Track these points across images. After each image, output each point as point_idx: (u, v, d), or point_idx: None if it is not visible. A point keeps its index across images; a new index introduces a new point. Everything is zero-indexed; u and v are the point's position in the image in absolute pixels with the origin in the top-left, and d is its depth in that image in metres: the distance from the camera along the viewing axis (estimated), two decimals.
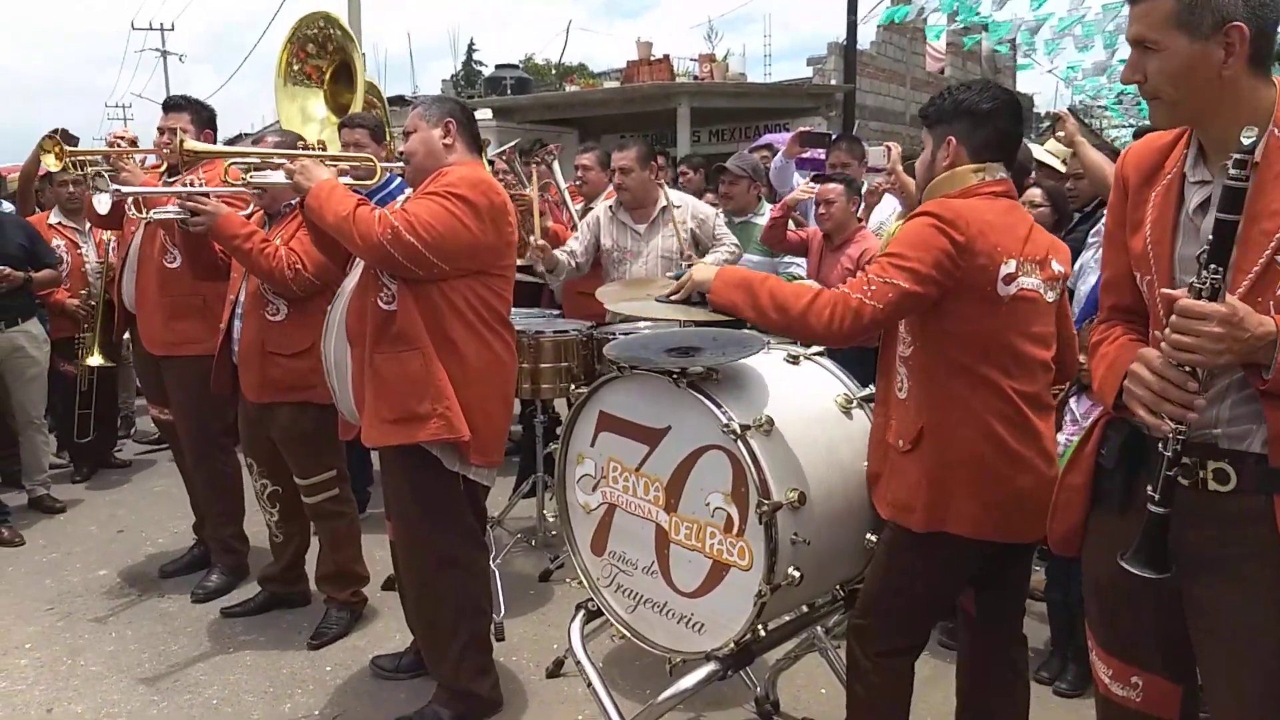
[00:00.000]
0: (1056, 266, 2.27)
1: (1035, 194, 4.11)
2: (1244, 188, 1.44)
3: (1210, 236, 1.47)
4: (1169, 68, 1.55)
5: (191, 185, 3.37)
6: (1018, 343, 2.17)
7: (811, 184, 4.56)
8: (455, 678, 3.01)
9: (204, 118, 4.04)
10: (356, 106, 3.73)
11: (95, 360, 5.60)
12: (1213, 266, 1.45)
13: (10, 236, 5.09)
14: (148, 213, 3.61)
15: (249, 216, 3.58)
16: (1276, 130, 1.50)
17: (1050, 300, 2.25)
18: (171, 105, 4.07)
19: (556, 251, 4.38)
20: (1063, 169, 4.55)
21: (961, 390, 2.16)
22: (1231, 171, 1.44)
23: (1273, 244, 1.47)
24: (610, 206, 4.48)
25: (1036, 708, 2.52)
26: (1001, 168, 2.26)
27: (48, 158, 3.81)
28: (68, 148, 3.81)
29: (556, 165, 5.70)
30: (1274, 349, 1.43)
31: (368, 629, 3.78)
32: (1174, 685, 1.67)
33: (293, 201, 3.43)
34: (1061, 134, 4.05)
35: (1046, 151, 4.68)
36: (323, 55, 3.78)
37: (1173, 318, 1.48)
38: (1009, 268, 2.14)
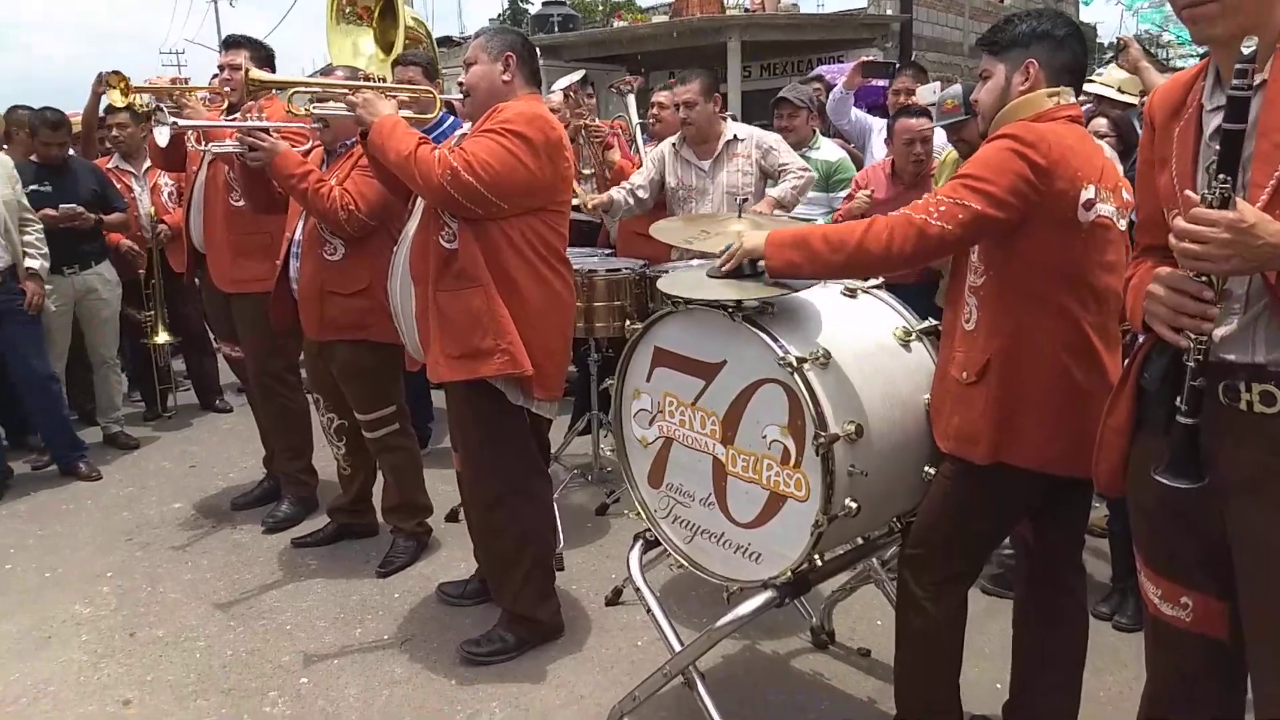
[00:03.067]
0: (1127, 195, 2.24)
1: (1101, 124, 3.99)
2: (1246, 96, 1.46)
3: (1218, 148, 1.48)
4: None
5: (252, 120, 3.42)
6: (1094, 271, 2.15)
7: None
8: (518, 603, 3.11)
9: (262, 55, 4.09)
10: (399, 41, 3.74)
11: (163, 338, 5.85)
12: (1221, 176, 1.46)
13: (83, 181, 5.24)
14: (207, 145, 3.67)
15: (308, 153, 3.63)
16: None
17: (1122, 229, 2.21)
18: (231, 43, 4.12)
19: (614, 190, 4.34)
20: (1118, 97, 4.40)
21: (1032, 320, 2.14)
22: (1234, 81, 1.46)
23: None
24: (674, 143, 4.38)
25: (1096, 641, 2.53)
26: (1072, 93, 2.23)
27: (113, 93, 3.90)
28: (131, 82, 3.88)
29: (632, 99, 5.53)
30: None
31: (434, 558, 3.90)
32: (1221, 603, 1.67)
33: (349, 141, 3.46)
34: (1125, 60, 3.91)
35: (1100, 84, 4.52)
36: None
37: (1180, 225, 1.49)
38: (1089, 193, 2.11)
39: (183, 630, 3.39)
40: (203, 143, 3.70)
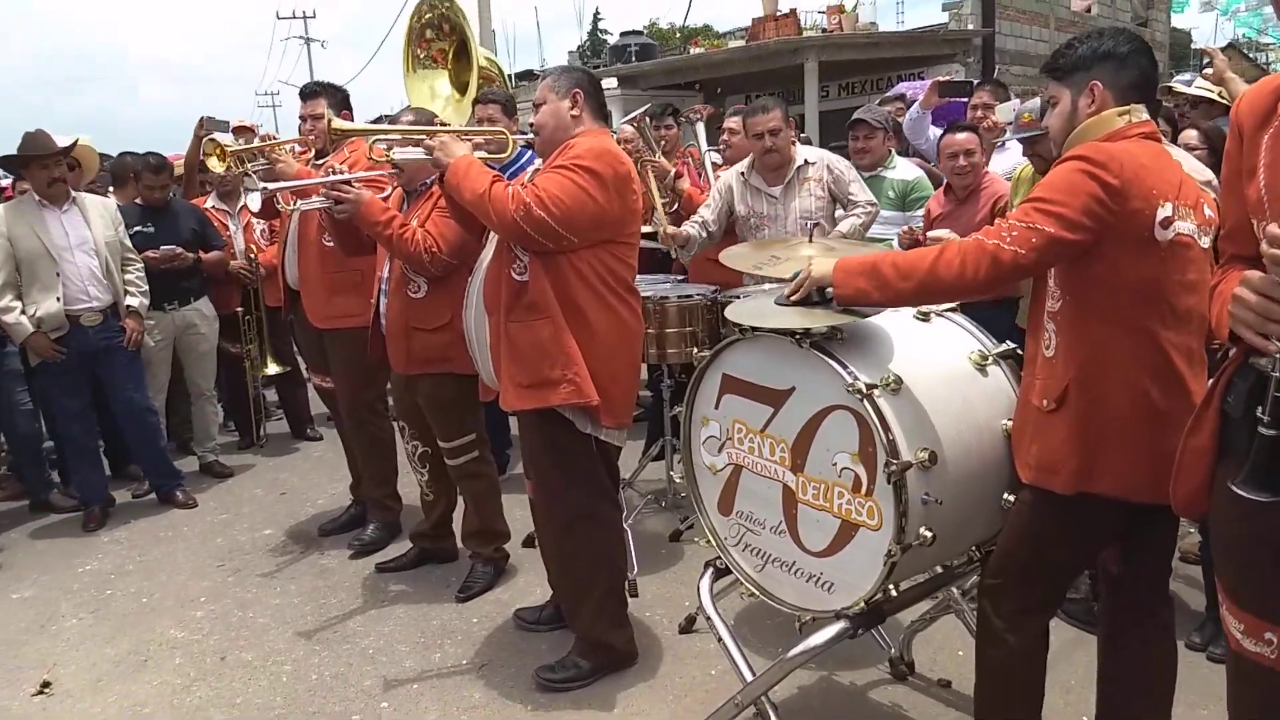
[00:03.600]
0: (1208, 211, 2.16)
1: (1191, 136, 3.88)
2: None
3: None
4: None
5: (334, 173, 3.56)
6: (1174, 291, 2.08)
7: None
8: (592, 630, 3.13)
9: (339, 99, 4.27)
10: (473, 81, 3.84)
11: (273, 369, 6.09)
12: None
13: (183, 221, 5.52)
14: (296, 203, 3.84)
15: (388, 195, 3.76)
16: None
17: (1205, 247, 2.14)
18: (309, 93, 4.31)
19: (687, 224, 4.35)
20: (1221, 100, 4.27)
21: (1111, 344, 2.08)
22: None
23: None
24: (742, 172, 4.37)
25: (1188, 673, 2.43)
26: (1145, 110, 2.17)
27: (211, 160, 4.14)
28: (227, 148, 4.11)
29: (700, 127, 5.57)
30: None
31: (510, 583, 3.95)
32: None
33: (428, 180, 3.57)
34: (1210, 71, 3.79)
35: (1199, 87, 4.39)
36: (442, 37, 3.91)
37: (1275, 232, 1.42)
38: (1165, 211, 2.04)
39: (270, 654, 3.49)
40: (293, 201, 3.87)
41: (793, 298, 2.42)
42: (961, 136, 4.12)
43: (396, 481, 4.55)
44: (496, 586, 3.90)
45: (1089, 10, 17.95)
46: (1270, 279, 1.49)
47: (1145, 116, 2.17)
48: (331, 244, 4.09)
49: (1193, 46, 22.14)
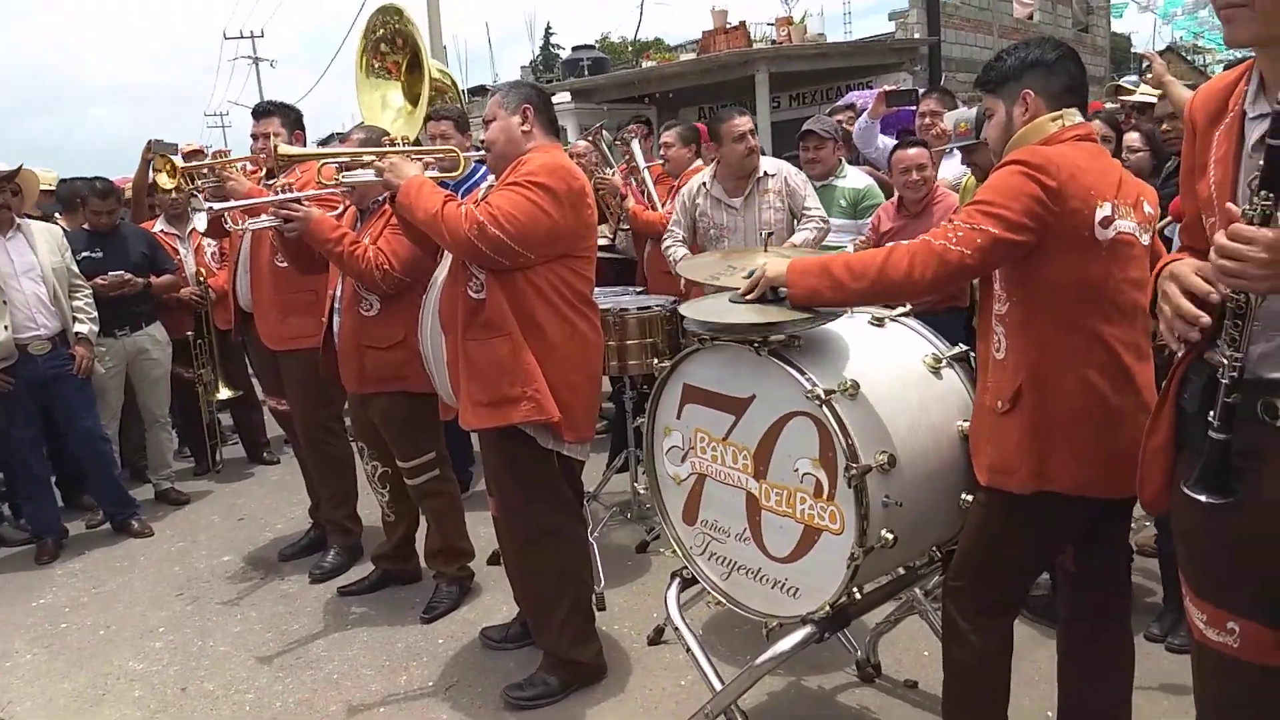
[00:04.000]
0: (1148, 209, 2.22)
1: (1133, 139, 3.98)
2: None
3: (1262, 164, 1.44)
4: None
5: (284, 191, 3.52)
6: (1118, 289, 2.13)
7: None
8: (559, 646, 3.11)
9: (292, 119, 4.22)
10: (425, 93, 3.83)
11: (225, 393, 5.96)
12: (1264, 193, 1.42)
13: (133, 245, 5.42)
14: (245, 223, 3.79)
15: (341, 214, 3.72)
16: None
17: (1145, 244, 2.20)
18: (261, 112, 4.25)
19: (675, 248, 4.43)
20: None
21: (1060, 343, 2.12)
22: None
23: None
24: (704, 182, 4.43)
25: (1148, 664, 2.47)
26: (1078, 113, 2.22)
27: (160, 176, 4.07)
28: (178, 165, 4.04)
29: (637, 144, 5.68)
30: None
31: (476, 602, 3.91)
32: (1272, 629, 1.62)
33: (380, 198, 3.55)
34: (1149, 75, 3.90)
35: (1142, 93, 4.51)
36: (396, 51, 3.89)
37: (1220, 241, 1.46)
38: (1105, 210, 2.09)
39: (233, 683, 3.43)
40: (241, 221, 3.82)
41: (747, 296, 2.44)
42: (913, 152, 4.17)
43: (356, 502, 4.49)
44: (462, 606, 3.86)
45: (1031, 17, 18.33)
46: (1189, 278, 1.55)
47: (1079, 119, 2.23)
48: (284, 265, 4.04)
49: (1133, 50, 22.73)
